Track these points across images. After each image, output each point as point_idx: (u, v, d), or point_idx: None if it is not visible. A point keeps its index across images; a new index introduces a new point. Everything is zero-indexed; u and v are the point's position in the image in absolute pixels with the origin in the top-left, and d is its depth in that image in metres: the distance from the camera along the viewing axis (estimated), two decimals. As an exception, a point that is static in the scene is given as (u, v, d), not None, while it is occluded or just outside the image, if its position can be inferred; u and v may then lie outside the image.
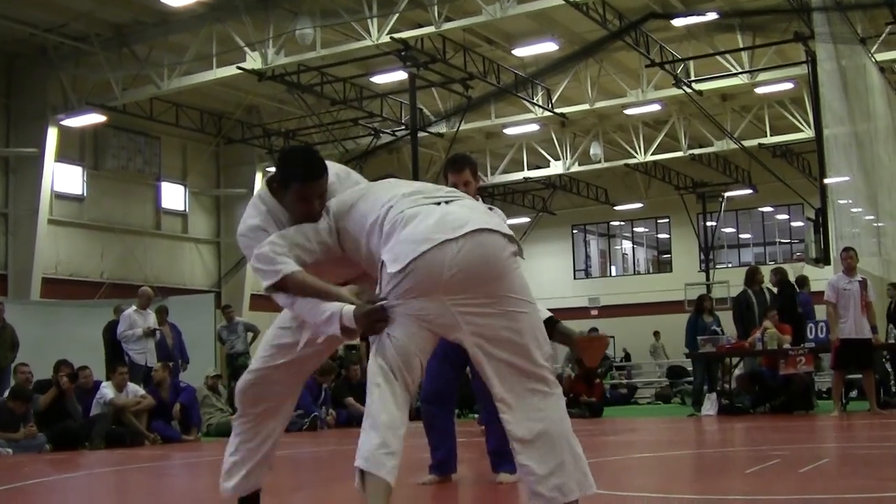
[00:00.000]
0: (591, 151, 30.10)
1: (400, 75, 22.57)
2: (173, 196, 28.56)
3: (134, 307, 14.59)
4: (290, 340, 4.18)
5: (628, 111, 27.31)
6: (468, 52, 22.43)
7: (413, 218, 3.68)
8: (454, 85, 23.53)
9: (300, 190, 3.97)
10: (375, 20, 20.27)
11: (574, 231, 38.47)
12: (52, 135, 23.29)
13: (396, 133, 26.99)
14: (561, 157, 30.45)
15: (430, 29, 20.37)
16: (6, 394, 12.56)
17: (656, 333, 29.21)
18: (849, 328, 12.65)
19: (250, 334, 18.75)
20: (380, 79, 23.77)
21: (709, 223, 34.11)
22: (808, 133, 25.89)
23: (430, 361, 4.05)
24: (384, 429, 3.56)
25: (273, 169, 4.33)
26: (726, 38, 23.23)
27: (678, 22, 21.54)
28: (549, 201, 35.49)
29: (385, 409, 3.59)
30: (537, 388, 3.73)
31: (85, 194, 25.84)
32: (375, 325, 3.67)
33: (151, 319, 14.53)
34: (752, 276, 15.40)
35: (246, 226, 4.07)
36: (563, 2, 19.14)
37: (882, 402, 13.60)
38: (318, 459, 10.29)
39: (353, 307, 3.73)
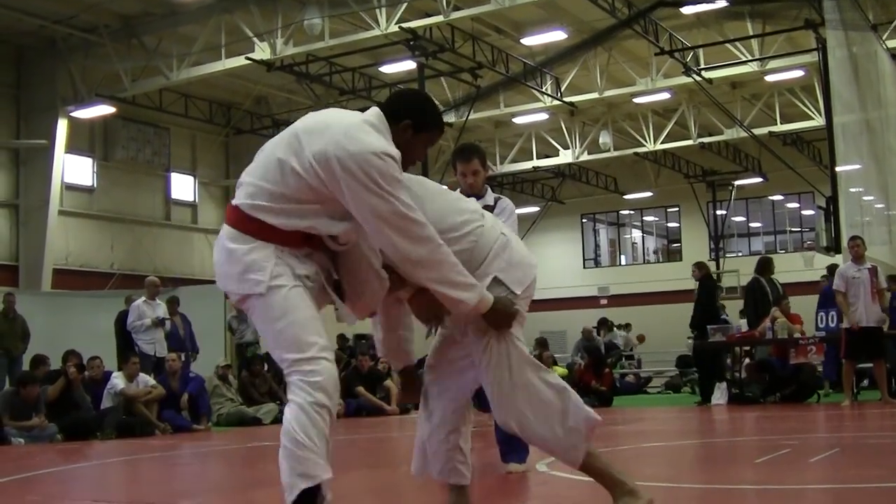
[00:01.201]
0: (601, 140, 30.05)
1: (409, 65, 22.53)
2: (183, 187, 28.60)
3: (143, 298, 14.63)
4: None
5: (637, 100, 27.24)
6: (477, 41, 22.38)
7: (511, 240, 3.98)
8: (463, 74, 23.47)
9: (434, 138, 3.92)
10: (384, 10, 20.26)
11: (583, 220, 38.41)
12: (61, 126, 23.33)
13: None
14: (570, 145, 30.40)
15: (439, 18, 20.34)
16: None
17: (627, 325, 29.01)
18: (858, 316, 12.61)
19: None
20: (388, 68, 23.74)
21: (719, 212, 34.03)
22: (818, 121, 25.79)
23: None
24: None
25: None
26: (736, 26, 23.14)
27: (687, 10, 21.45)
28: (558, 190, 35.43)
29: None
30: None
31: (95, 185, 25.90)
32: (504, 323, 3.81)
33: (160, 310, 14.56)
34: (765, 266, 15.38)
35: (379, 147, 3.57)
36: (572, -10, 19.12)
37: (894, 392, 13.55)
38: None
39: (492, 296, 3.77)
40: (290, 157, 3.62)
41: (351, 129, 3.61)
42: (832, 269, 15.82)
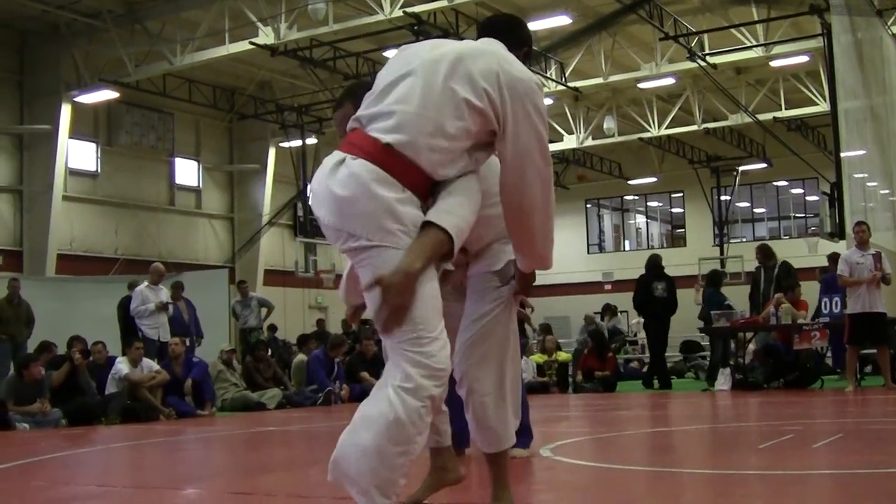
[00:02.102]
0: (605, 125, 30.01)
1: (413, 50, 22.46)
2: (187, 172, 28.59)
3: (146, 283, 14.66)
4: None
5: (642, 85, 27.18)
6: (481, 26, 22.30)
7: None
8: (467, 59, 23.41)
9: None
10: (388, -6, 20.23)
11: (588, 205, 38.38)
12: (65, 111, 23.32)
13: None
14: (574, 131, 30.35)
15: (443, 3, 20.27)
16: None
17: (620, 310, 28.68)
18: (862, 302, 12.60)
19: (264, 310, 18.82)
20: (392, 53, 23.56)
21: (723, 197, 33.99)
22: (823, 106, 25.73)
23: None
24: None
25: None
26: (741, 11, 23.07)
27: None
28: (562, 176, 35.39)
29: None
30: None
31: (99, 171, 25.90)
32: (530, 288, 3.74)
33: (163, 295, 14.59)
34: (762, 253, 15.49)
35: (536, 78, 3.40)
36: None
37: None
38: (332, 434, 10.32)
39: None
40: (459, 85, 3.23)
41: (508, 57, 3.37)
42: (834, 256, 15.85)
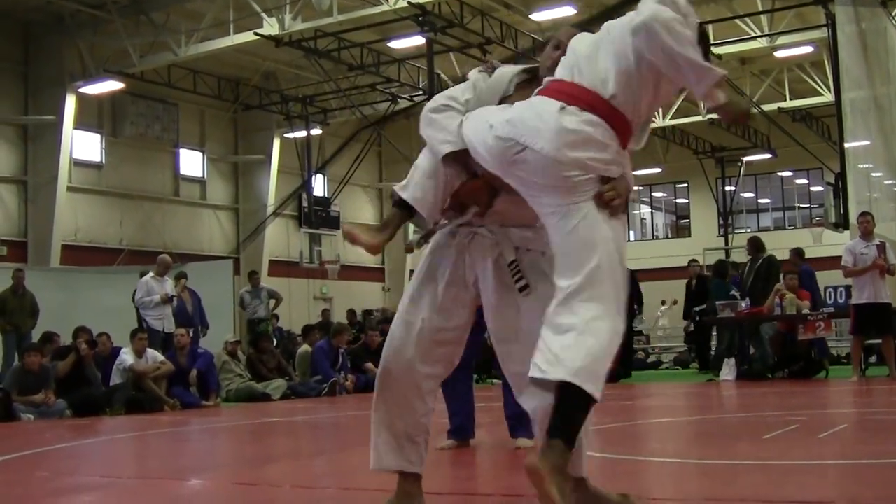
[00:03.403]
0: (609, 116, 29.94)
1: (417, 40, 22.47)
2: (191, 163, 28.59)
3: (151, 274, 14.68)
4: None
5: (646, 75, 27.12)
6: (486, 16, 22.29)
7: None
8: (472, 50, 23.40)
9: None
10: (392, -15, 20.21)
11: (592, 196, 38.31)
12: (70, 102, 23.32)
13: (414, 98, 26.92)
14: (578, 121, 30.28)
15: (448, -7, 20.29)
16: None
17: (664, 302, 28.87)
18: (867, 293, 12.59)
19: (273, 301, 18.84)
20: (397, 44, 23.66)
21: (728, 188, 33.96)
22: (827, 97, 25.71)
23: None
24: None
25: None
26: (745, 1, 23.03)
27: (697, -15, 21.35)
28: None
29: None
30: None
31: (103, 161, 25.90)
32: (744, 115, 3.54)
33: (168, 286, 14.62)
34: (751, 245, 15.54)
35: None
36: (581, -35, 19.01)
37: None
38: (337, 425, 10.35)
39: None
40: (628, 40, 3.42)
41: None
42: (798, 251, 15.82)
